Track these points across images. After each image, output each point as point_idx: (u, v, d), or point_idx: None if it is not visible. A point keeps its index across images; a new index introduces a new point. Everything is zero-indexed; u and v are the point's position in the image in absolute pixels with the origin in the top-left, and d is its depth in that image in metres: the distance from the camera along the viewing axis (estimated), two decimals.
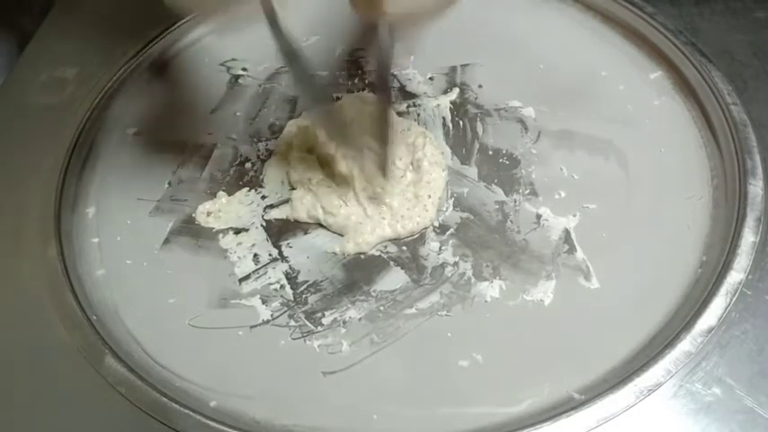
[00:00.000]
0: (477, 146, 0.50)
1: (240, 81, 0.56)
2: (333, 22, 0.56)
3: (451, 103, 0.53)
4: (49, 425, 0.39)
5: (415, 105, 0.53)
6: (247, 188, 0.49)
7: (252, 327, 0.43)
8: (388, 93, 0.52)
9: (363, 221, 0.45)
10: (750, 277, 0.41)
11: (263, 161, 0.51)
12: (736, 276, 0.41)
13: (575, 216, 0.46)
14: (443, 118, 0.52)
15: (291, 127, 0.52)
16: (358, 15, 0.44)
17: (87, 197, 0.50)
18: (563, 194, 0.47)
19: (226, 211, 0.48)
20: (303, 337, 0.42)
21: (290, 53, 0.43)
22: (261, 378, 0.40)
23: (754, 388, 0.37)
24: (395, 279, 0.44)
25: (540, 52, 0.55)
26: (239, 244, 0.46)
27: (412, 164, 0.47)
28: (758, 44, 0.53)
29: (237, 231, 0.47)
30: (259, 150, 0.52)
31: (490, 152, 0.50)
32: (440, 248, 0.45)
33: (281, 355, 0.41)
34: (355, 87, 0.54)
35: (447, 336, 0.41)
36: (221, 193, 0.49)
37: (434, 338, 0.41)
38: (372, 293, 0.43)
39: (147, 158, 0.52)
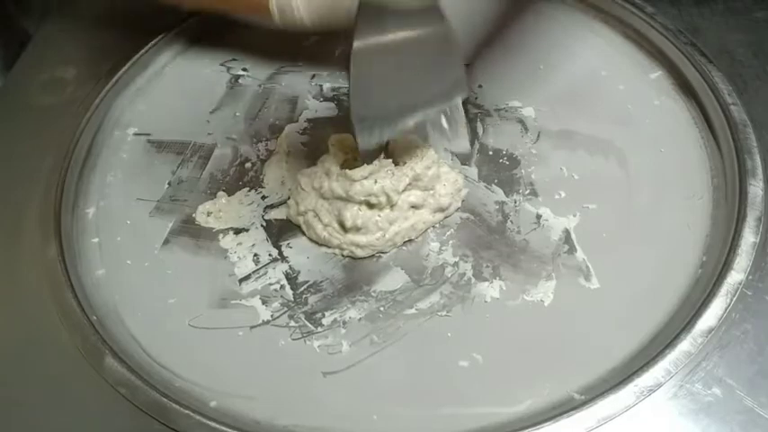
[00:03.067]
0: (477, 146, 0.50)
1: (240, 81, 0.56)
2: None
3: None
4: (48, 425, 0.39)
5: None
6: (247, 188, 0.49)
7: (252, 327, 0.42)
8: None
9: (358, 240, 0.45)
10: (750, 277, 0.41)
11: (263, 161, 0.51)
12: (736, 276, 0.40)
13: (575, 216, 0.46)
14: None
15: (290, 129, 0.52)
16: None
17: (87, 197, 0.50)
18: (563, 194, 0.47)
19: (226, 211, 0.48)
20: (303, 337, 0.42)
21: None
22: (261, 378, 0.40)
23: (754, 388, 0.37)
24: (395, 279, 0.44)
25: (540, 52, 0.55)
26: (239, 244, 0.46)
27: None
28: (758, 44, 0.53)
29: (237, 231, 0.47)
30: (259, 150, 0.52)
31: (490, 152, 0.50)
32: (440, 249, 0.45)
33: (281, 356, 0.41)
34: None
35: (447, 336, 0.41)
36: (221, 193, 0.49)
37: (434, 338, 0.41)
38: (372, 294, 0.43)
39: (147, 158, 0.52)
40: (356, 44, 0.38)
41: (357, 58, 0.39)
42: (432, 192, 0.45)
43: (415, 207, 0.45)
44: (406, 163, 0.45)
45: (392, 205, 0.44)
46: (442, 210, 0.46)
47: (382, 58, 0.39)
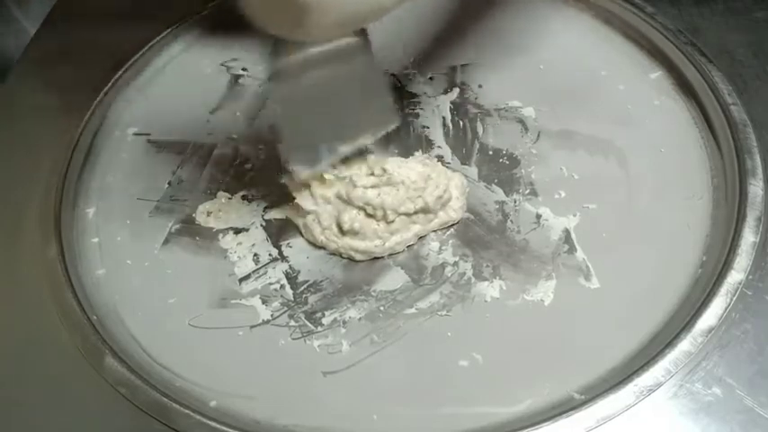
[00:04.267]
0: (477, 146, 0.50)
1: (240, 81, 0.56)
2: None
3: (451, 103, 0.53)
4: (48, 425, 0.39)
5: (415, 105, 0.53)
6: (247, 188, 0.49)
7: (252, 327, 0.42)
8: None
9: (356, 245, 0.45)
10: (750, 277, 0.41)
11: (264, 161, 0.51)
12: (736, 276, 0.40)
13: (575, 216, 0.46)
14: (443, 118, 0.52)
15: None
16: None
17: (87, 197, 0.50)
18: (563, 194, 0.47)
19: (226, 210, 0.48)
20: (303, 336, 0.42)
21: None
22: (261, 378, 0.40)
23: (754, 388, 0.37)
24: (395, 279, 0.44)
25: (540, 52, 0.55)
26: (239, 244, 0.46)
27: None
28: (758, 44, 0.53)
29: (237, 231, 0.47)
30: (259, 150, 0.52)
31: (490, 152, 0.50)
32: (440, 248, 0.45)
33: (281, 355, 0.41)
34: None
35: (447, 336, 0.41)
36: (221, 193, 0.49)
37: (434, 338, 0.41)
38: (372, 293, 0.43)
39: (147, 158, 0.52)
40: (277, 84, 0.39)
41: (281, 95, 0.40)
42: (438, 212, 0.45)
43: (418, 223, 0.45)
44: (415, 182, 0.44)
45: (388, 221, 0.44)
46: (446, 222, 0.46)
47: (307, 92, 0.40)
